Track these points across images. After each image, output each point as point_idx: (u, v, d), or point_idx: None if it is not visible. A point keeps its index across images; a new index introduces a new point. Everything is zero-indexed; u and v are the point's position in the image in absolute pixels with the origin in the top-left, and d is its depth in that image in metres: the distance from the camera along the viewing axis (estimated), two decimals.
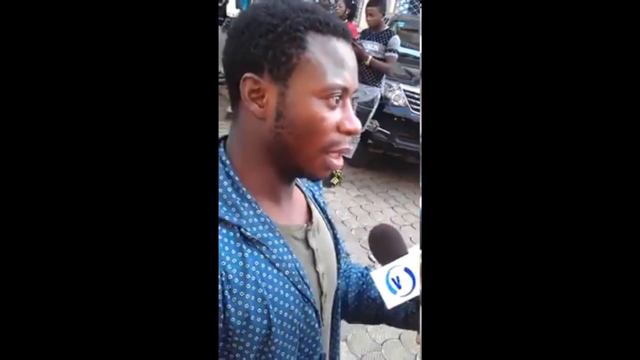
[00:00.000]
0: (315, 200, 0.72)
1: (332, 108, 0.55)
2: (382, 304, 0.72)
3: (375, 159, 4.46)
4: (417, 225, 3.25)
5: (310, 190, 0.73)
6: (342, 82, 0.55)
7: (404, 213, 3.72)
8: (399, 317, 0.75)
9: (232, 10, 5.59)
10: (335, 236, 0.71)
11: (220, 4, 5.94)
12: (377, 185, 4.19)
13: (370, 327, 2.25)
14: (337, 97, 0.55)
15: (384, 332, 2.26)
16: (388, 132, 4.06)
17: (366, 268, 0.81)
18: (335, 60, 0.55)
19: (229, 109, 5.17)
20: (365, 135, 4.06)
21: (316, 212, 0.69)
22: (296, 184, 0.69)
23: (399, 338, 2.24)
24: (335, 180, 3.91)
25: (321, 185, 0.78)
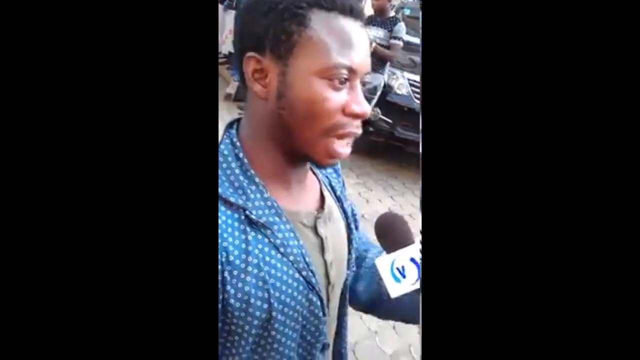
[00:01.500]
0: (332, 187, 0.70)
1: (337, 89, 0.53)
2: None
3: (376, 147, 4.44)
4: (416, 215, 3.24)
5: (327, 177, 0.71)
6: (348, 62, 0.52)
7: (403, 202, 3.71)
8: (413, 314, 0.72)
9: None
10: (349, 226, 0.69)
11: None
12: (376, 173, 4.18)
13: (364, 315, 2.24)
14: (343, 78, 0.52)
15: (378, 319, 2.26)
16: (390, 121, 4.03)
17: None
18: (340, 38, 0.52)
19: (228, 90, 5.10)
20: (367, 122, 4.02)
21: (329, 200, 0.67)
22: (311, 169, 0.67)
23: (394, 327, 2.25)
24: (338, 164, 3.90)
25: (340, 173, 0.75)
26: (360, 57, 0.53)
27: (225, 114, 4.77)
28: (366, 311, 0.78)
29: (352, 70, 0.53)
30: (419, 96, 4.01)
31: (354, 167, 4.16)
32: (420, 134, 0.44)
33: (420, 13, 0.42)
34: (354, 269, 0.76)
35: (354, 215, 0.73)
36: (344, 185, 0.75)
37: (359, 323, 2.22)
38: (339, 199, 0.70)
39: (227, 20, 6.04)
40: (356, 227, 0.73)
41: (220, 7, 6.16)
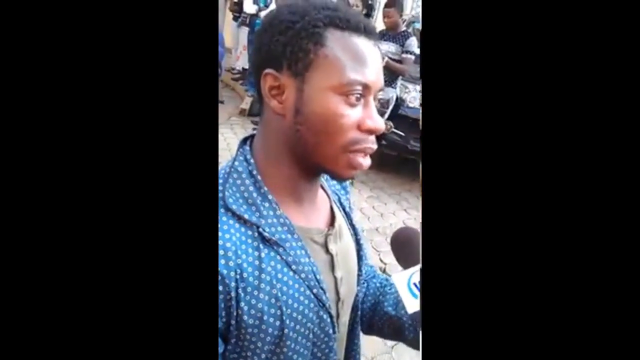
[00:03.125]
0: (341, 204, 0.71)
1: (352, 105, 0.54)
2: (397, 319, 0.72)
3: (389, 160, 4.44)
4: None
5: (337, 194, 0.72)
6: (362, 79, 0.54)
7: (417, 216, 3.70)
8: (407, 338, 0.73)
9: (249, 7, 5.60)
10: (358, 242, 0.70)
11: (236, 0, 5.94)
12: (390, 187, 4.17)
13: None
14: (358, 95, 0.54)
15: None
16: (402, 134, 4.04)
17: (386, 279, 0.79)
18: (354, 56, 0.54)
19: (242, 105, 5.16)
20: (380, 136, 4.03)
21: (339, 217, 0.68)
22: (321, 187, 0.68)
23: None
24: (348, 181, 3.90)
25: (348, 190, 0.76)
26: (373, 74, 0.55)
27: (239, 129, 4.82)
28: (367, 329, 0.79)
29: (366, 87, 0.54)
30: None
31: (368, 181, 4.17)
32: (420, 146, 0.44)
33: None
34: (365, 285, 0.78)
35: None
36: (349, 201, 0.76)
37: (375, 338, 2.21)
38: (347, 216, 0.71)
39: (240, 37, 6.14)
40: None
41: (234, 24, 6.28)
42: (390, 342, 2.21)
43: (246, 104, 5.33)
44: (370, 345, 2.14)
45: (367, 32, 0.56)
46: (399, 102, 4.00)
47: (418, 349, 0.73)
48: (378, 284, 0.79)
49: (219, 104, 4.64)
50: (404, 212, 3.72)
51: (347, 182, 0.75)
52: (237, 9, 5.95)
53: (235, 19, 6.24)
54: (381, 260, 2.85)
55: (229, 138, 4.46)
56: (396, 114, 3.98)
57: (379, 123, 0.56)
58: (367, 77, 0.54)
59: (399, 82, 3.90)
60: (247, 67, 5.94)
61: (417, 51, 3.84)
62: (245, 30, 5.83)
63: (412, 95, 4.06)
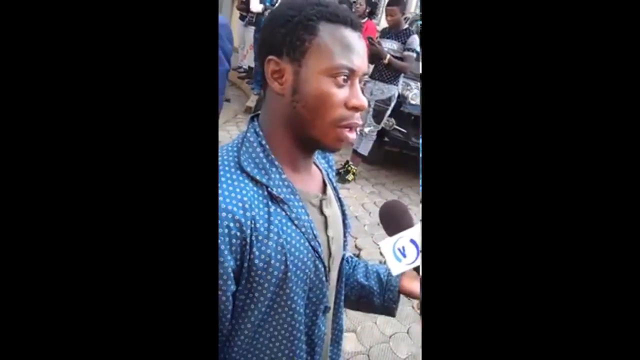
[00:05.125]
0: (330, 179, 0.82)
1: (340, 86, 0.64)
2: (367, 287, 0.85)
3: (391, 156, 4.49)
4: None
5: (326, 171, 0.83)
6: (348, 63, 0.64)
7: (417, 211, 3.75)
8: (375, 305, 0.86)
9: (255, 6, 5.67)
10: (343, 212, 0.81)
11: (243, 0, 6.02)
12: (391, 183, 4.23)
13: (379, 320, 2.30)
14: (345, 77, 0.64)
15: (392, 325, 2.31)
16: (404, 131, 4.09)
17: (356, 259, 0.91)
18: (342, 45, 0.64)
19: (248, 103, 5.19)
20: (382, 133, 4.10)
21: (329, 188, 0.79)
22: (314, 162, 0.79)
23: (407, 332, 2.29)
24: (350, 177, 3.96)
25: (334, 167, 0.88)
26: (358, 59, 0.66)
27: (244, 127, 4.87)
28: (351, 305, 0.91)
29: (352, 70, 0.65)
30: None
31: (370, 177, 4.23)
32: (421, 140, 0.47)
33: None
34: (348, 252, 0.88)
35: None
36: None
37: (373, 328, 2.27)
38: (334, 188, 0.82)
39: (247, 36, 6.21)
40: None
41: (241, 23, 6.34)
42: (388, 332, 2.27)
43: (252, 101, 5.41)
44: (368, 335, 2.19)
45: (354, 25, 0.67)
46: (401, 99, 4.06)
47: (390, 316, 0.84)
48: (350, 265, 0.91)
49: (226, 102, 4.71)
50: None
51: (333, 162, 0.86)
52: (244, 7, 6.01)
53: (242, 18, 6.30)
54: (381, 254, 2.90)
55: (235, 135, 4.51)
56: (398, 111, 4.04)
57: (363, 100, 0.66)
58: (353, 62, 0.65)
59: (401, 79, 3.95)
60: (253, 65, 6.01)
61: (419, 49, 3.89)
62: (251, 30, 5.90)
63: (414, 93, 4.11)
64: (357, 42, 0.66)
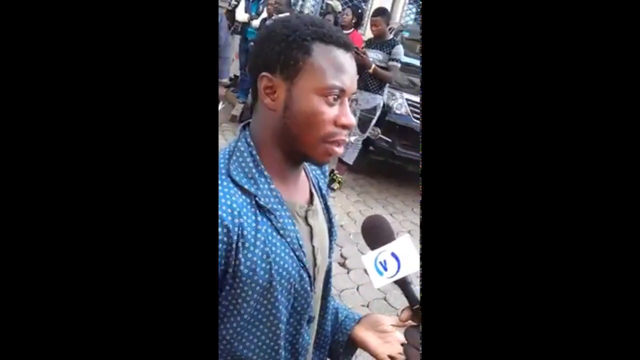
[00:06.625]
0: (319, 187, 0.83)
1: (330, 105, 0.66)
2: (344, 348, 0.84)
3: (376, 165, 4.52)
4: (415, 233, 3.30)
5: (316, 178, 0.84)
6: (340, 84, 0.66)
7: (402, 220, 3.77)
8: (326, 348, 0.85)
9: (241, 15, 5.69)
10: (330, 220, 0.82)
11: (229, 8, 6.03)
12: (376, 192, 4.25)
13: (389, 296, 2.27)
14: (335, 96, 0.66)
15: (403, 300, 2.33)
16: (389, 140, 4.13)
17: (347, 317, 0.88)
18: (335, 65, 0.66)
19: (234, 112, 5.18)
20: (367, 142, 4.12)
21: (316, 199, 0.79)
22: (304, 171, 0.79)
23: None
24: (335, 185, 3.97)
25: (327, 174, 0.88)
26: (349, 80, 0.68)
27: (230, 135, 4.87)
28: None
29: (342, 90, 0.67)
30: (417, 116, 4.11)
31: (355, 186, 4.24)
32: (421, 153, 0.45)
33: (419, 33, 0.43)
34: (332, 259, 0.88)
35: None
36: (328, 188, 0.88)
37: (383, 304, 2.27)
38: (323, 197, 0.82)
39: (232, 45, 6.21)
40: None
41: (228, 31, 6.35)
42: (384, 287, 2.28)
43: (237, 110, 5.40)
44: (364, 291, 2.16)
45: (346, 46, 0.68)
46: (386, 109, 4.09)
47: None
48: (337, 313, 0.89)
49: None
50: (390, 216, 3.78)
51: (326, 169, 0.87)
52: (230, 16, 6.02)
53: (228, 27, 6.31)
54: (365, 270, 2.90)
55: (220, 144, 4.47)
56: (383, 120, 4.07)
57: (352, 120, 0.69)
58: (344, 82, 0.67)
59: (386, 89, 3.99)
60: (238, 74, 6.01)
61: (404, 59, 3.94)
62: (236, 38, 5.90)
63: (399, 102, 4.15)
64: (349, 63, 0.68)
